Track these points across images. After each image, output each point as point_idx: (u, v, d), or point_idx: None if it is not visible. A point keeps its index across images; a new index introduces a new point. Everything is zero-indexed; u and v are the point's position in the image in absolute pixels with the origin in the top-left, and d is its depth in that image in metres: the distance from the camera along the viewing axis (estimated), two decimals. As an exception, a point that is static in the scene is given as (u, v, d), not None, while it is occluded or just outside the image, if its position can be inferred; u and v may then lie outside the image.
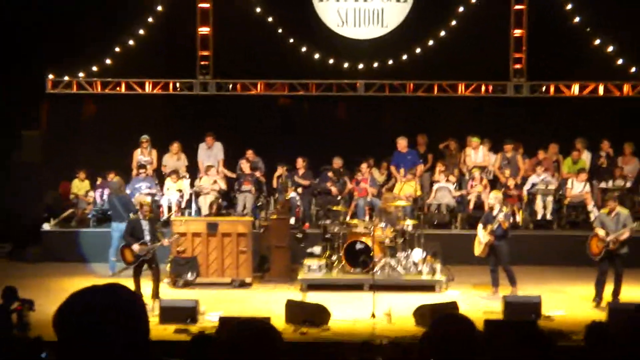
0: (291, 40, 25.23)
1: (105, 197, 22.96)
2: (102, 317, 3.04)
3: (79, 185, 23.70)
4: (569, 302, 17.65)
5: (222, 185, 23.38)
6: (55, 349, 3.12)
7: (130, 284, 16.22)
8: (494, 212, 18.08)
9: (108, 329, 3.03)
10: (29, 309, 14.33)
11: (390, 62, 25.30)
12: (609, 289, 17.16)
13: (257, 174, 23.66)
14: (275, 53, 25.40)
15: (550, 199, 22.76)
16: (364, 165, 23.15)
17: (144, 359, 3.14)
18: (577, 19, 24.72)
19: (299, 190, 23.23)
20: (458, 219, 22.98)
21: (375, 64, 25.30)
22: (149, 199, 19.68)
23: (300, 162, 23.61)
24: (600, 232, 17.10)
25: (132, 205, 20.48)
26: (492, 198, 18.62)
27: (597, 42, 24.66)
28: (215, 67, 25.67)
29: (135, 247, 17.12)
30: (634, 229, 17.25)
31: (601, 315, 15.44)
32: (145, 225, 17.43)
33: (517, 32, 25.45)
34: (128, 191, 22.77)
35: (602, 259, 17.17)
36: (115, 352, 3.04)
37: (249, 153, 23.90)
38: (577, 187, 22.91)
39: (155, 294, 16.86)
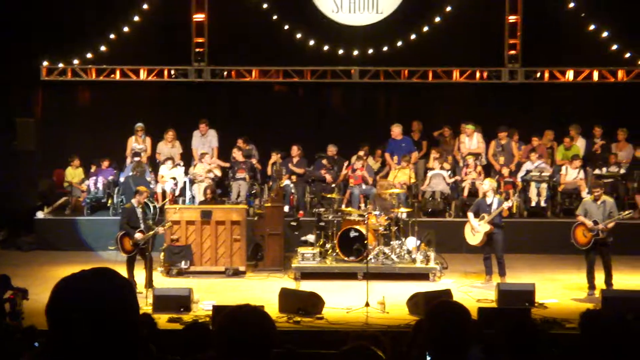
0: (286, 27, 25.20)
1: (99, 184, 23.01)
2: (93, 303, 3.04)
3: (73, 173, 23.66)
4: (562, 290, 17.66)
5: (217, 172, 23.36)
6: (47, 337, 3.11)
7: (123, 270, 16.28)
8: (488, 200, 18.05)
9: (99, 315, 3.03)
10: (22, 297, 14.30)
11: (385, 48, 25.27)
12: (599, 277, 17.12)
13: (253, 160, 23.64)
14: (270, 40, 25.41)
15: (544, 186, 22.71)
16: (361, 152, 23.15)
17: (134, 344, 3.14)
18: (571, 5, 24.72)
19: (293, 177, 23.22)
20: (452, 206, 22.94)
21: (370, 51, 25.31)
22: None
23: (295, 150, 23.58)
24: (588, 222, 17.03)
25: (148, 187, 20.93)
26: (487, 184, 18.55)
27: (592, 27, 24.67)
28: (210, 54, 25.60)
29: (138, 235, 17.10)
30: (624, 217, 17.23)
31: (595, 303, 15.50)
32: (140, 213, 17.44)
33: (512, 18, 25.42)
34: (122, 179, 22.85)
35: (589, 249, 17.13)
36: (106, 337, 3.03)
37: (240, 141, 23.86)
38: (572, 174, 22.88)
39: (149, 283, 16.84)
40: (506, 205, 17.84)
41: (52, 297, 3.09)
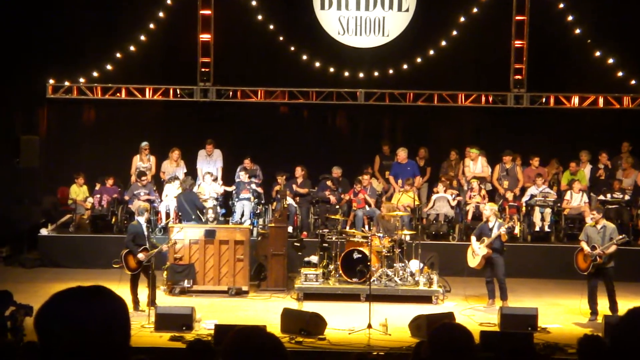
0: (292, 48, 25.23)
1: (103, 202, 23.01)
2: (83, 322, 3.06)
3: (77, 191, 23.63)
4: (565, 315, 17.60)
5: (220, 191, 23.35)
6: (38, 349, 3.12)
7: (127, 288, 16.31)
8: (490, 225, 18.03)
9: (82, 331, 3.04)
10: (24, 314, 14.25)
11: (391, 71, 25.32)
12: (603, 303, 17.05)
13: (256, 181, 23.61)
14: (275, 61, 25.44)
15: (548, 210, 22.67)
16: (365, 177, 23.12)
17: None
18: (577, 31, 24.74)
19: (297, 198, 23.20)
20: (456, 229, 22.89)
21: (376, 73, 25.31)
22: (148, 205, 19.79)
23: (298, 171, 23.53)
24: (585, 247, 16.99)
25: (199, 202, 20.99)
26: (488, 210, 18.54)
27: (598, 54, 24.69)
28: (215, 74, 25.63)
29: (141, 255, 17.06)
30: (617, 242, 17.06)
31: (598, 328, 15.44)
32: (145, 230, 17.46)
33: (518, 43, 25.44)
34: (126, 197, 22.81)
35: (590, 274, 17.05)
36: (87, 354, 3.04)
37: (247, 161, 23.87)
38: (576, 199, 22.84)
39: (152, 301, 16.78)
40: (503, 230, 17.75)
41: (40, 308, 3.12)
